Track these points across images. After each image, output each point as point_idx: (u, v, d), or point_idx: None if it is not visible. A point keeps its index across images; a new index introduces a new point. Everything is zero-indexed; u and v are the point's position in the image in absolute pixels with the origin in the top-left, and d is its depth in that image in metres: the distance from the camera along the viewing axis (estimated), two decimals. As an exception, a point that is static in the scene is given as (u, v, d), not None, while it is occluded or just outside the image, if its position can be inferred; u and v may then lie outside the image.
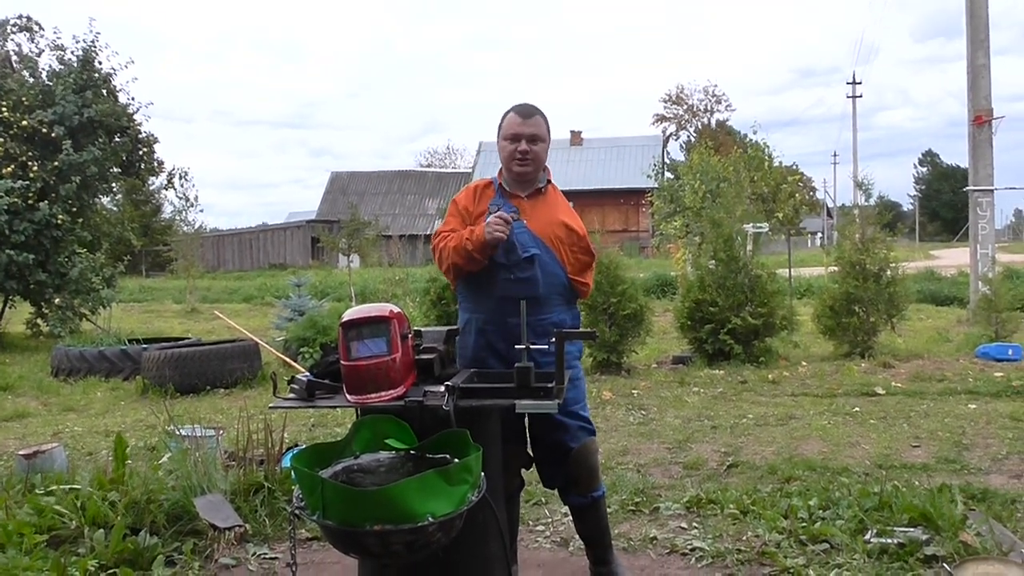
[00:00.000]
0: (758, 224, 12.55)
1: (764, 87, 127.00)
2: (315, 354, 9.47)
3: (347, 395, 2.77)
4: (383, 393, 2.73)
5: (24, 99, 13.74)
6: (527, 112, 3.33)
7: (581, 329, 3.16)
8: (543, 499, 4.70)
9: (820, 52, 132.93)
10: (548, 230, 3.33)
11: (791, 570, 3.65)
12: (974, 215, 13.75)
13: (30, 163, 13.36)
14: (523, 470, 3.52)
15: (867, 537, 3.87)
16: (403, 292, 14.98)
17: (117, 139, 15.14)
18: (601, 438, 6.46)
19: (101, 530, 3.93)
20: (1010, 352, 9.44)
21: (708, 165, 20.91)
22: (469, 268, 3.31)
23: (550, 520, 4.48)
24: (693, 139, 55.10)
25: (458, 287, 3.49)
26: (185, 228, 24.36)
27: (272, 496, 4.46)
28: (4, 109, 13.48)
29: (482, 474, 2.52)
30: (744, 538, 4.07)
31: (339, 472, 2.57)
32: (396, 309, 2.83)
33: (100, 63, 14.83)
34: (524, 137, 3.30)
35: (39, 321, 14.25)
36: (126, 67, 15.34)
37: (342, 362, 2.76)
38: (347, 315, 2.79)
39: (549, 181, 3.44)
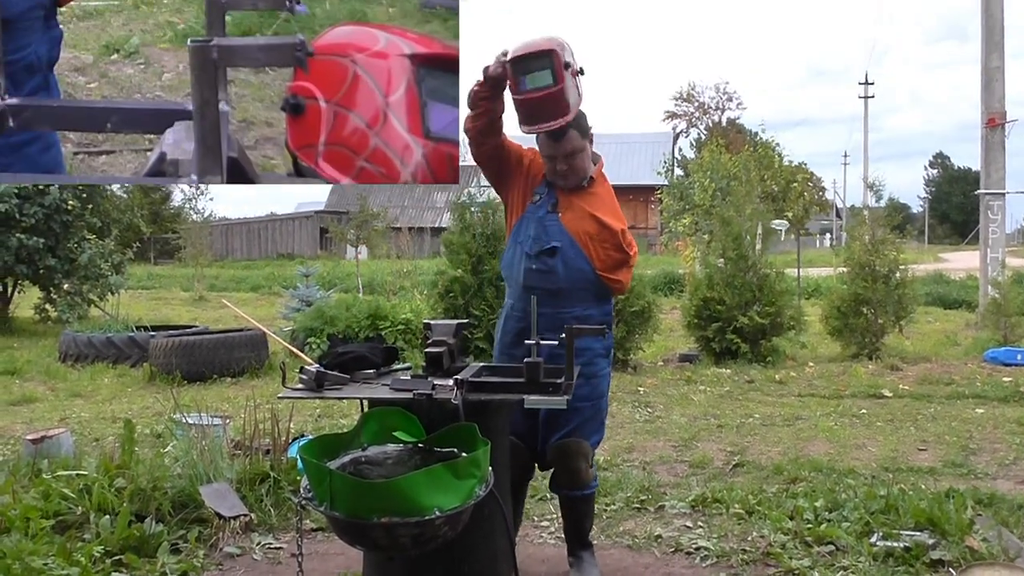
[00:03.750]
0: (779, 221, 12.45)
1: (775, 86, 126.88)
2: (322, 344, 9.47)
3: (521, 127, 2.99)
4: (555, 121, 2.96)
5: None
6: (557, 133, 3.18)
7: (591, 325, 3.15)
8: (548, 495, 4.68)
9: (832, 52, 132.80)
10: (579, 225, 3.32)
11: (796, 571, 3.64)
12: (985, 218, 13.69)
13: (41, 148, 13.40)
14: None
15: (873, 540, 3.85)
16: (411, 284, 14.98)
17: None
18: (607, 435, 6.43)
19: (107, 516, 3.94)
20: (1019, 357, 9.40)
21: (718, 163, 20.82)
22: (481, 121, 3.15)
23: (555, 516, 4.46)
24: (703, 137, 54.84)
25: (502, 272, 3.54)
26: (194, 216, 24.44)
27: (278, 486, 4.46)
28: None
29: (489, 469, 2.52)
30: (749, 538, 4.06)
31: (347, 464, 2.57)
32: (559, 39, 2.92)
33: (113, 49, 14.86)
34: (558, 158, 3.28)
35: (47, 306, 14.28)
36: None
37: (513, 96, 2.95)
38: (513, 51, 2.90)
39: (593, 178, 3.40)
